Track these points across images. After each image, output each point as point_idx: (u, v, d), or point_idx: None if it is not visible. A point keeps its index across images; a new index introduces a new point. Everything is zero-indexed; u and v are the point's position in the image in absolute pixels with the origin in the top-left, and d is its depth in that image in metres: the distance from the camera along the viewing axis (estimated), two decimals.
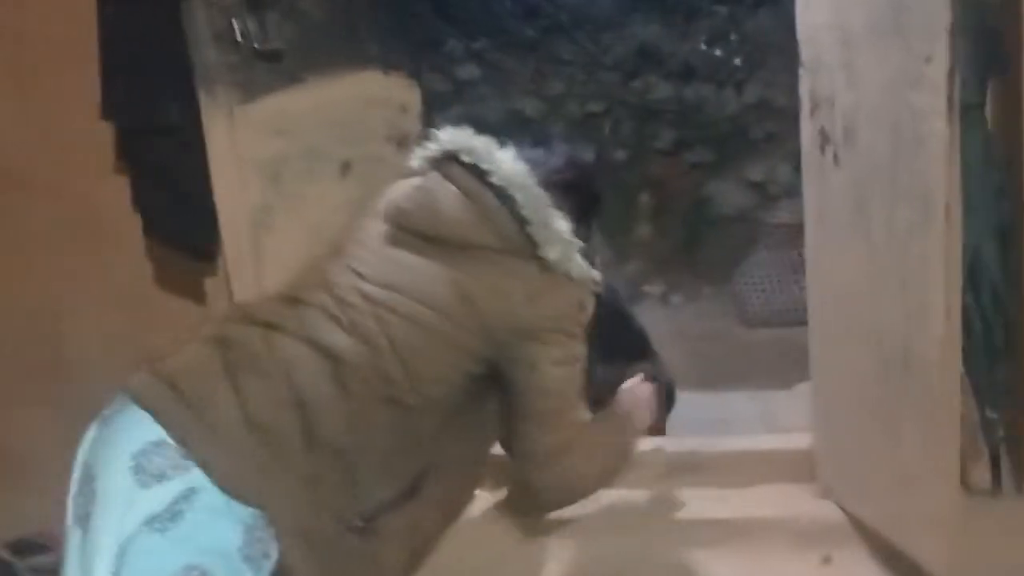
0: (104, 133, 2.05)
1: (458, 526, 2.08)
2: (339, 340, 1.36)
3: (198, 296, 2.17)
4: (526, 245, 1.45)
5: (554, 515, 2.12)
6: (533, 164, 1.52)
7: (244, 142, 1.89)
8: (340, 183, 2.06)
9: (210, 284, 2.14)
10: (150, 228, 2.09)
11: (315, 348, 1.35)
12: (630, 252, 5.79)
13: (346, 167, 1.96)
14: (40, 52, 2.10)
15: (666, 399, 2.93)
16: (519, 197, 1.45)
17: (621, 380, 2.88)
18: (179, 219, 2.03)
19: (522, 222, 1.45)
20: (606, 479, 1.64)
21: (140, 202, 2.08)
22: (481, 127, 1.54)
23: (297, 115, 1.92)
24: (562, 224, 1.47)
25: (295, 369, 1.34)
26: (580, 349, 1.55)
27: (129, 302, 2.18)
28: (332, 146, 1.95)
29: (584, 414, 1.58)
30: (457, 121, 1.57)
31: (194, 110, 1.88)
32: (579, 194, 1.60)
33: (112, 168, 2.09)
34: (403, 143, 2.06)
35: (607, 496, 2.15)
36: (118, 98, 1.96)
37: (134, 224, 2.10)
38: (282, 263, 1.84)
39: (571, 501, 1.65)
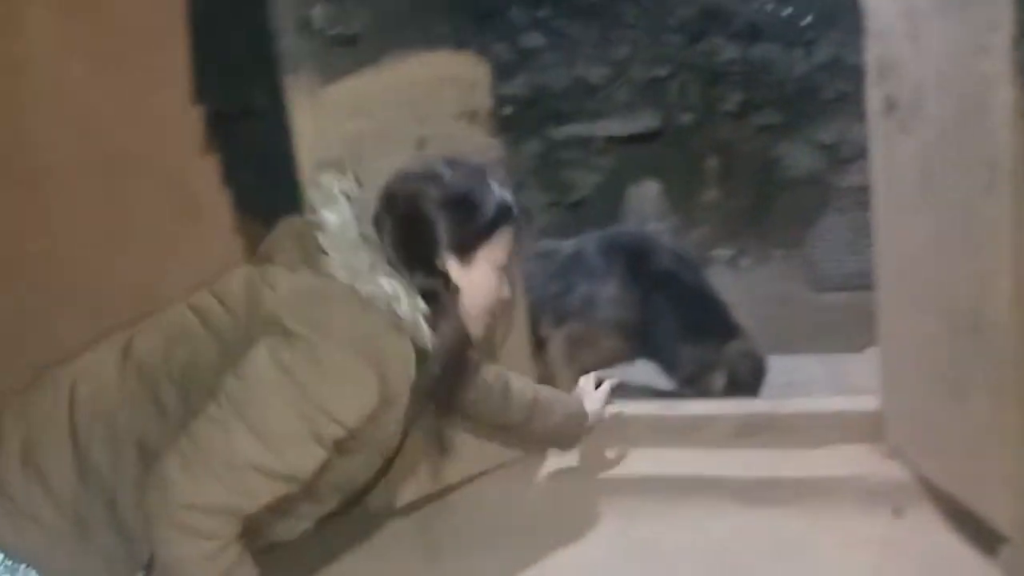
0: (195, 116, 2.18)
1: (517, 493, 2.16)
2: (149, 338, 1.40)
3: None
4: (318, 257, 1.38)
5: (614, 474, 2.19)
6: (424, 180, 1.44)
7: (326, 122, 1.98)
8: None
9: None
10: (240, 204, 2.22)
11: (123, 352, 1.38)
12: (698, 216, 5.78)
13: (421, 144, 2.03)
14: (134, 39, 2.21)
15: (758, 372, 2.96)
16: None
17: (716, 359, 2.89)
18: (267, 195, 2.14)
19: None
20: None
21: (230, 179, 2.21)
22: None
23: (374, 96, 2.00)
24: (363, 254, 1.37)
25: (87, 378, 1.36)
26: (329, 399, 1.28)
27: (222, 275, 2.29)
28: (407, 124, 2.02)
29: (255, 483, 1.25)
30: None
31: (279, 93, 1.99)
32: (463, 212, 1.42)
33: (203, 148, 2.21)
34: (474, 119, 2.13)
35: (679, 456, 2.22)
36: (209, 83, 2.09)
37: (225, 200, 2.23)
38: None
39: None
